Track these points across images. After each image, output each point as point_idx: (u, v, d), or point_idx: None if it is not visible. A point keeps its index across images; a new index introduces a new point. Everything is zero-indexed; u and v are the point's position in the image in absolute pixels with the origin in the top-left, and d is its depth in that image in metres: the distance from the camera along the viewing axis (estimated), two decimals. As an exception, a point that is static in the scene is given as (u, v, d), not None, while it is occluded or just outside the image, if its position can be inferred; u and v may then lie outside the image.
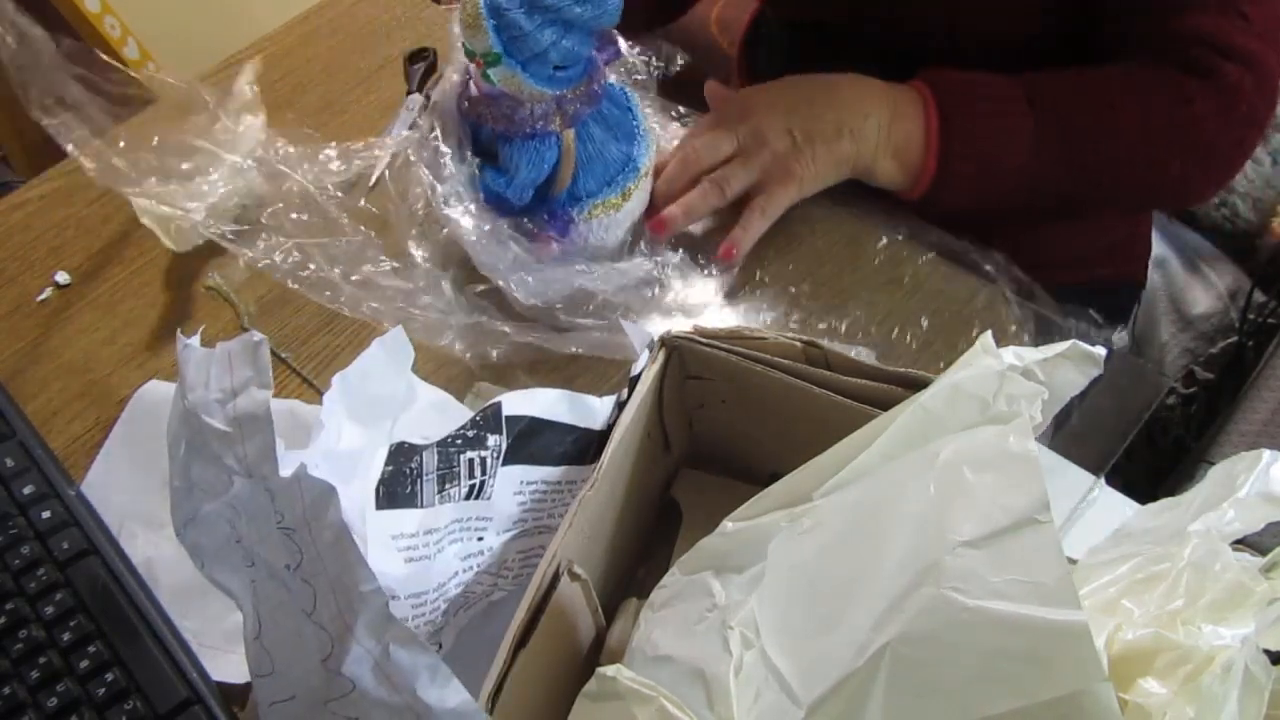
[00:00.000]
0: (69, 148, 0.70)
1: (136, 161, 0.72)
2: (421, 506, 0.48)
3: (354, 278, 0.69)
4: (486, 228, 0.65)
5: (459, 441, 0.49)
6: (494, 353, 0.68)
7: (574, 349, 0.67)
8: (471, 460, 0.49)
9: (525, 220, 0.67)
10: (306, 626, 0.42)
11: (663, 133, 0.76)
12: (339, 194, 0.75)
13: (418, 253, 0.70)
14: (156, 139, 0.74)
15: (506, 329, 0.67)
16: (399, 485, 0.47)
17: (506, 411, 0.50)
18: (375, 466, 0.47)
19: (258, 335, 0.42)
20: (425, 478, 0.48)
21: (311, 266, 0.69)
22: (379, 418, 0.49)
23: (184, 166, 0.75)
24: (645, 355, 0.52)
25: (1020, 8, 0.73)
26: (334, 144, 0.77)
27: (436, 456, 0.48)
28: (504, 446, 0.50)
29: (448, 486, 0.48)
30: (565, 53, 0.61)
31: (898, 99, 0.70)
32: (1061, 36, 0.74)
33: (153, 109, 0.77)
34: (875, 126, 0.69)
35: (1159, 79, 0.69)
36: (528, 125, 0.65)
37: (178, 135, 0.75)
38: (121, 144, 0.72)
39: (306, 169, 0.75)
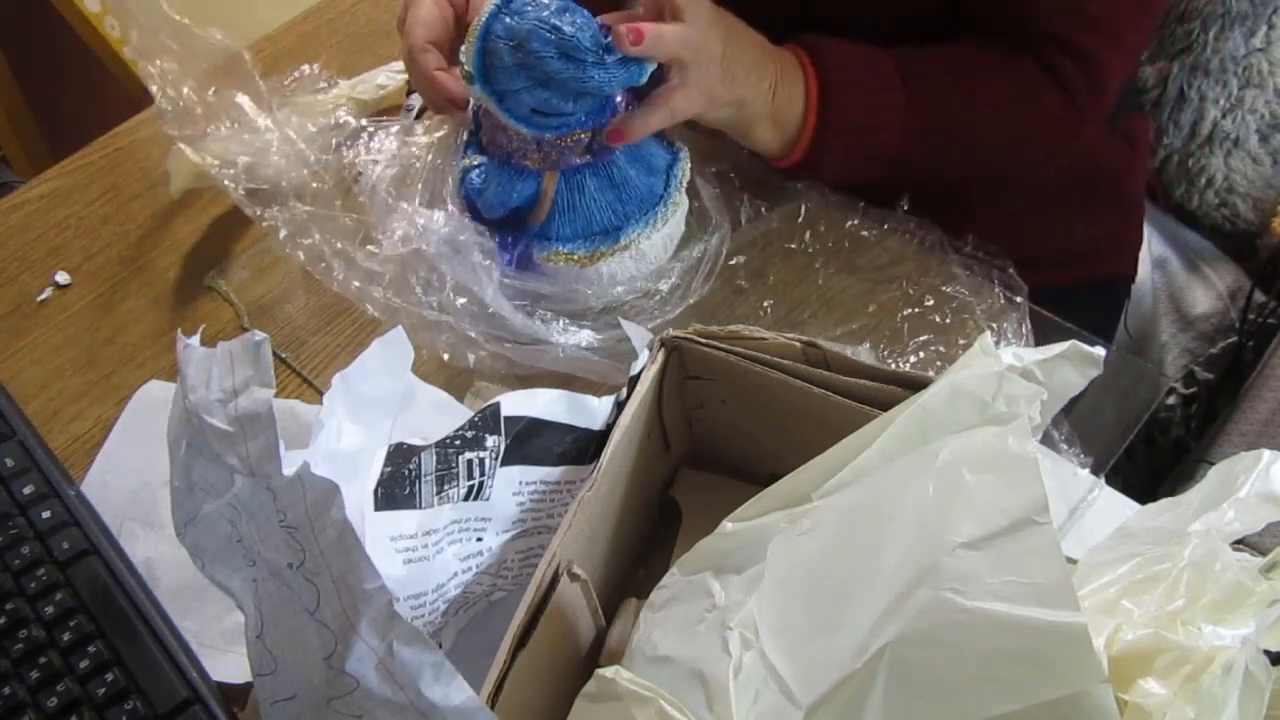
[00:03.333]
0: (153, 89, 0.72)
1: (209, 113, 0.74)
2: (420, 508, 0.48)
3: (354, 258, 0.68)
4: (461, 238, 0.65)
5: (457, 442, 0.49)
6: (485, 355, 0.67)
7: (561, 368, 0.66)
8: (470, 461, 0.49)
9: (487, 232, 0.66)
10: (309, 625, 0.42)
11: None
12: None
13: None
14: (213, 90, 0.76)
15: (492, 346, 0.67)
16: (397, 487, 0.47)
17: (505, 412, 0.50)
18: (375, 467, 0.47)
19: (259, 334, 0.42)
20: (424, 479, 0.48)
21: (315, 238, 0.68)
22: (379, 418, 0.49)
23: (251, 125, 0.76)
24: (645, 355, 0.52)
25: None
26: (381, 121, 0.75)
27: (435, 458, 0.48)
28: (502, 447, 0.50)
29: (446, 487, 0.48)
30: (541, 101, 0.61)
31: (783, 65, 0.69)
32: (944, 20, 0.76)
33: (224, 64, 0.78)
34: (767, 88, 0.68)
35: (1016, 67, 0.73)
36: (505, 149, 0.65)
37: (240, 94, 0.77)
38: (186, 92, 0.74)
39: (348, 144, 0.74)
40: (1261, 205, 1.05)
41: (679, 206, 0.68)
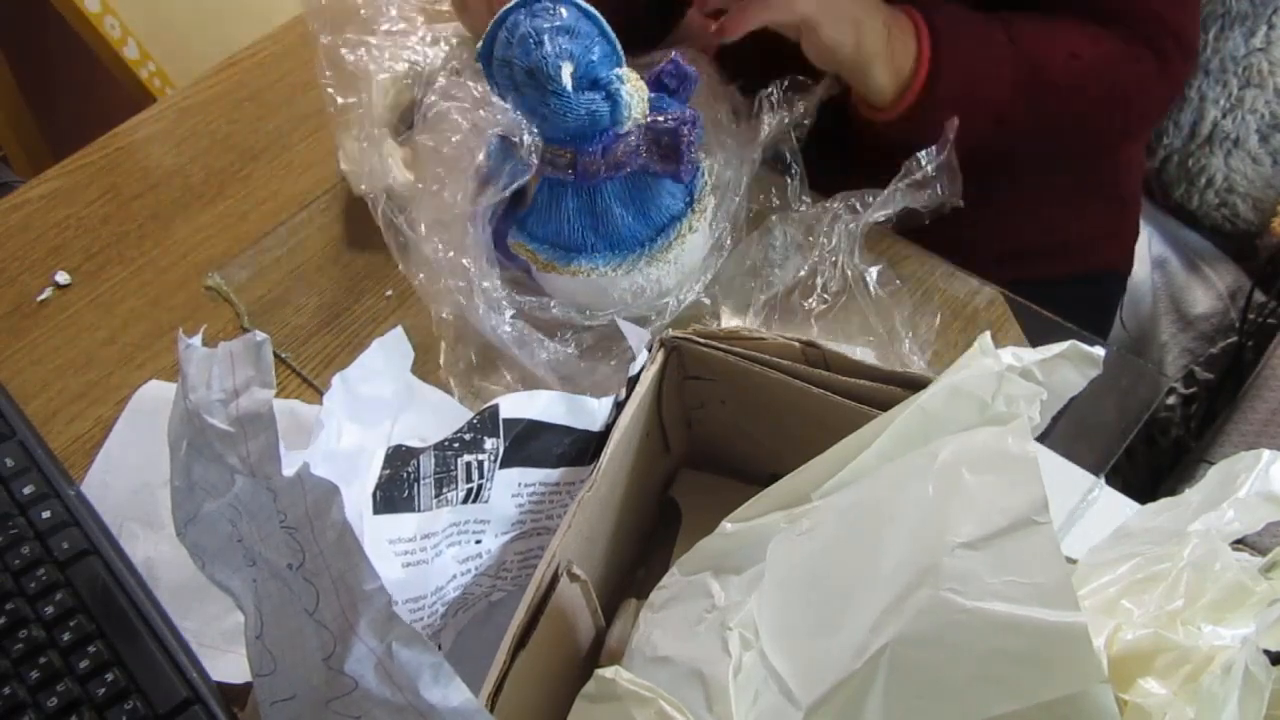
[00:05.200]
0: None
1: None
2: (418, 511, 0.48)
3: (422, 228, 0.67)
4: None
5: (456, 445, 0.49)
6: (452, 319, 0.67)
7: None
8: (469, 464, 0.49)
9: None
10: (308, 625, 0.42)
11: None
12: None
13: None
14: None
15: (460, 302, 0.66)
16: (396, 490, 0.47)
17: (504, 414, 0.50)
18: (374, 467, 0.47)
19: (260, 335, 0.42)
20: (422, 482, 0.48)
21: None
22: (379, 418, 0.49)
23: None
24: (644, 355, 0.52)
25: None
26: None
27: (433, 460, 0.48)
28: (501, 449, 0.50)
29: (445, 490, 0.48)
30: (517, 103, 0.60)
31: (889, 11, 0.70)
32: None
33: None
34: (880, 23, 0.69)
35: (1114, 34, 0.74)
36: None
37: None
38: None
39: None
40: (1261, 205, 1.05)
41: (662, 264, 0.65)
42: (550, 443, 0.51)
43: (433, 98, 0.65)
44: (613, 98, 0.58)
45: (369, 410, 0.48)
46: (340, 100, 0.75)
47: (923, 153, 0.65)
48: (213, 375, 0.42)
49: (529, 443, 0.51)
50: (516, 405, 0.50)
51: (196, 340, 0.43)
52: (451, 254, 0.65)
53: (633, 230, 0.65)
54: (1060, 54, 0.73)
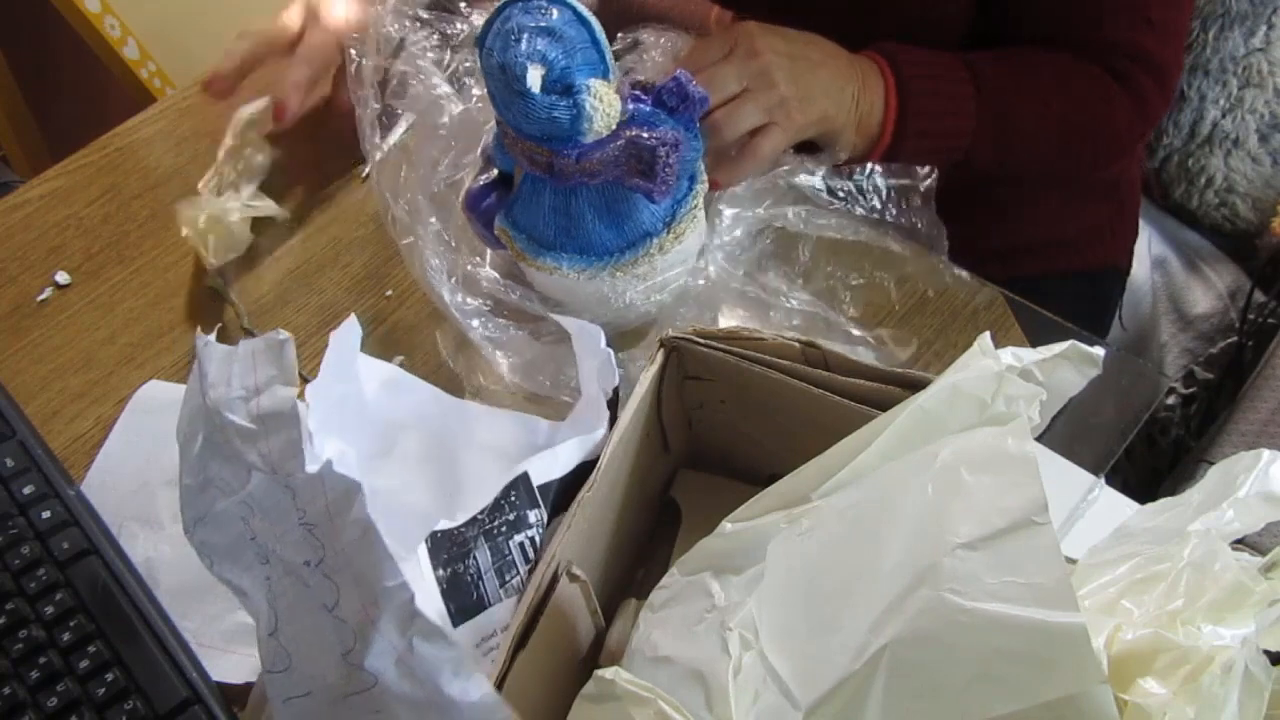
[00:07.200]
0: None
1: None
2: (490, 605, 0.48)
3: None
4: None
5: (503, 528, 0.49)
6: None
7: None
8: (521, 543, 0.49)
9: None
10: (327, 622, 0.42)
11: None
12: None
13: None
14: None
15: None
16: (464, 594, 0.48)
17: (536, 482, 0.50)
18: (423, 569, 0.48)
19: (283, 334, 0.42)
20: (484, 576, 0.48)
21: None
22: (359, 418, 0.48)
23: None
24: (615, 371, 0.52)
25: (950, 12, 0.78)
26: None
27: (488, 552, 0.49)
28: (546, 519, 0.50)
29: (508, 578, 0.48)
30: (491, 91, 0.59)
31: (864, 71, 0.72)
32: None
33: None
34: (850, 95, 0.71)
35: (1087, 78, 0.76)
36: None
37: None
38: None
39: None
40: (1261, 205, 1.05)
41: (629, 278, 0.64)
42: (578, 485, 0.51)
43: (404, 67, 0.65)
44: (577, 107, 0.57)
45: (347, 410, 0.48)
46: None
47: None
48: (233, 373, 0.43)
49: (564, 496, 0.51)
50: (544, 470, 0.51)
51: (214, 338, 0.44)
52: (431, 235, 0.66)
53: (603, 239, 0.64)
54: (1029, 102, 0.75)
